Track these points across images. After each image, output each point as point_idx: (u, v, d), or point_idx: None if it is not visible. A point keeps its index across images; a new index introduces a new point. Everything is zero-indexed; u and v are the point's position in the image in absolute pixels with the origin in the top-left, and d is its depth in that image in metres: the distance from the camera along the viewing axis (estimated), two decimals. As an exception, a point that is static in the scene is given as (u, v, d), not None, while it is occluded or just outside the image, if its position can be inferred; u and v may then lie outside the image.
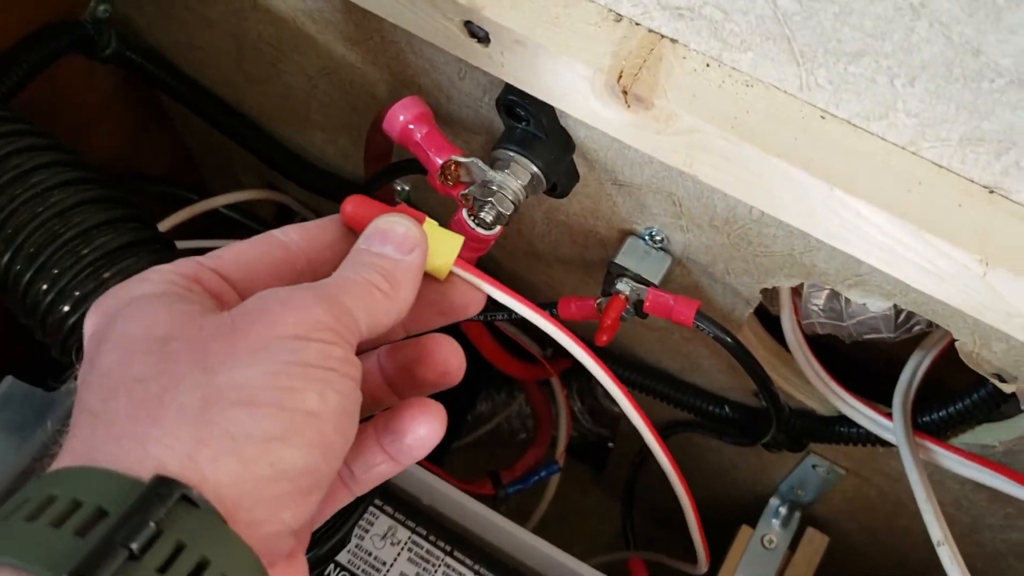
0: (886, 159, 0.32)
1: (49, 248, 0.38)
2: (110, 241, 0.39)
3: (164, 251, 0.41)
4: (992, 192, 0.31)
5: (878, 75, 0.30)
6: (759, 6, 0.30)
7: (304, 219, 0.68)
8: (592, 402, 0.79)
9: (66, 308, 0.39)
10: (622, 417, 0.74)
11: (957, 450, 0.45)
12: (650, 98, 0.32)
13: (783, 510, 0.63)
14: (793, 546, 0.63)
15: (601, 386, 0.76)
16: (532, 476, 0.64)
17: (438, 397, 0.73)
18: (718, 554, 0.64)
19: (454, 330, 0.55)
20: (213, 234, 0.63)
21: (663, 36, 0.34)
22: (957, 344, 0.39)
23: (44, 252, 0.39)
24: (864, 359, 0.53)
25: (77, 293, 0.39)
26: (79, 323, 0.39)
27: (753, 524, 0.64)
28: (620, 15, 0.34)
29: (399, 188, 0.56)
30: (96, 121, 0.60)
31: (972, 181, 0.31)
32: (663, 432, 0.65)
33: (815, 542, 0.62)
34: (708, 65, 0.33)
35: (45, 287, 0.39)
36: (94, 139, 0.60)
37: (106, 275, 0.39)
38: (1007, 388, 0.39)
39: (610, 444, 0.81)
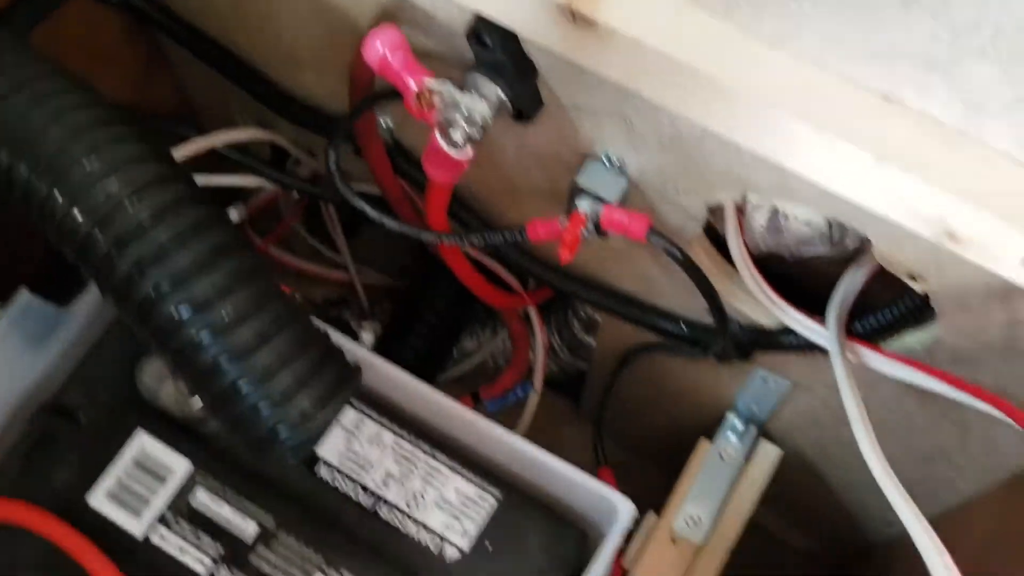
0: (799, 72, 0.37)
1: (61, 157, 0.43)
2: (120, 154, 0.43)
3: (170, 166, 0.45)
4: (888, 100, 0.36)
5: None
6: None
7: (297, 160, 0.73)
8: (570, 336, 0.84)
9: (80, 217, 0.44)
10: (595, 347, 0.79)
11: (883, 351, 0.50)
12: (593, 16, 0.37)
13: (740, 425, 0.69)
14: (749, 460, 0.68)
15: (579, 319, 0.81)
16: (510, 394, 0.69)
17: (419, 334, 0.77)
18: (679, 467, 0.70)
19: (433, 258, 0.60)
20: (212, 170, 0.67)
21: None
22: (874, 248, 0.44)
23: (57, 161, 0.43)
24: (810, 282, 0.58)
25: (89, 200, 0.43)
26: (92, 234, 0.43)
27: (712, 439, 0.69)
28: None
29: (383, 124, 0.60)
30: (102, 64, 0.64)
31: (871, 90, 0.36)
32: (633, 355, 0.71)
33: (768, 455, 0.68)
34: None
35: (59, 194, 0.43)
36: (99, 81, 0.64)
37: (113, 188, 0.43)
38: (918, 287, 0.44)
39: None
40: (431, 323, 0.84)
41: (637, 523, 0.70)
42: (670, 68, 0.38)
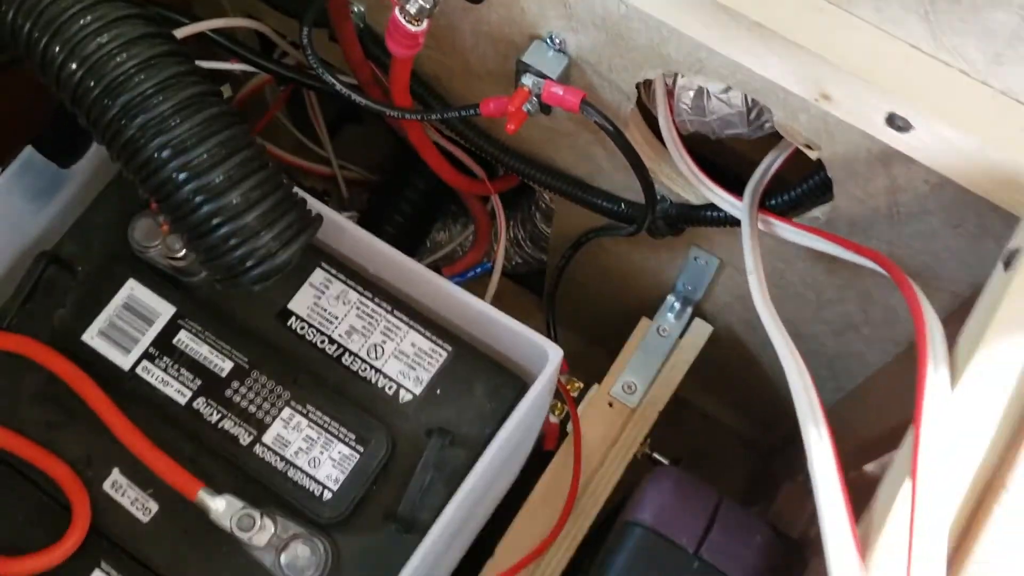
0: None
1: (62, 16, 0.48)
2: (112, 13, 0.49)
3: (159, 30, 0.51)
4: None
5: None
6: None
7: (283, 52, 0.78)
8: (532, 228, 0.90)
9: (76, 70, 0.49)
10: (551, 235, 0.85)
11: (790, 221, 0.56)
12: None
13: (677, 305, 0.75)
14: (683, 336, 0.75)
15: (540, 211, 0.87)
16: (470, 271, 0.76)
17: (393, 223, 0.81)
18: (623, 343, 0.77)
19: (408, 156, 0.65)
20: (202, 57, 0.73)
21: None
22: (775, 119, 0.50)
23: (57, 20, 0.48)
24: (735, 170, 0.64)
25: (87, 56, 0.49)
26: (100, 97, 0.49)
27: (652, 316, 0.76)
28: None
29: (354, 9, 0.66)
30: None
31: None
32: (584, 240, 0.77)
33: (701, 330, 0.74)
34: None
35: (59, 50, 0.49)
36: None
37: (104, 40, 0.49)
38: (813, 155, 0.50)
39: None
40: (404, 213, 0.91)
41: (582, 393, 0.77)
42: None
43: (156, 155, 0.48)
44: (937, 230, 0.49)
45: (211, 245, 0.50)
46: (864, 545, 0.35)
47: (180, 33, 0.69)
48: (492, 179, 0.80)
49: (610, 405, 0.73)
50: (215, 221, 0.49)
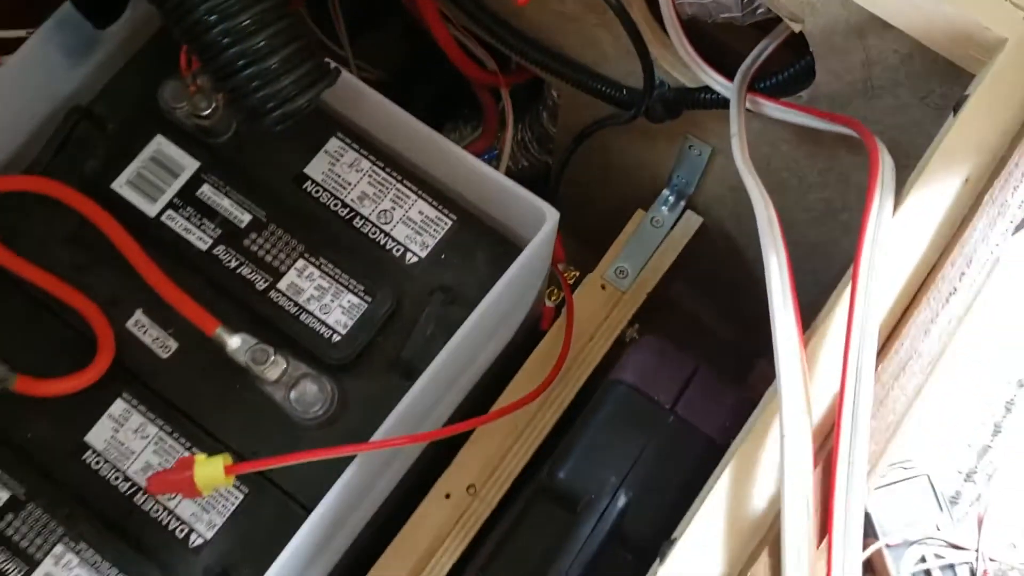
0: None
1: None
2: None
3: None
4: None
5: None
6: None
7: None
8: (539, 130, 0.94)
9: None
10: (556, 132, 0.89)
11: (774, 99, 0.60)
12: None
13: (671, 198, 0.80)
14: (675, 226, 0.79)
15: (547, 110, 0.91)
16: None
17: (407, 105, 0.85)
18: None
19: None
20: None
21: None
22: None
23: None
24: (731, 58, 0.68)
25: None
26: None
27: (647, 209, 0.80)
28: None
29: None
30: None
31: None
32: (587, 133, 0.81)
33: (690, 221, 0.79)
34: None
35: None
36: None
37: None
38: (796, 27, 0.54)
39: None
40: (417, 112, 0.94)
41: (578, 281, 0.81)
42: None
43: (202, 17, 0.52)
44: (906, 103, 0.53)
45: (236, 85, 0.54)
46: (807, 345, 0.40)
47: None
48: (504, 72, 0.84)
49: (602, 288, 0.77)
50: (240, 63, 0.54)
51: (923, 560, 0.85)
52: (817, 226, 0.71)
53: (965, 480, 1.03)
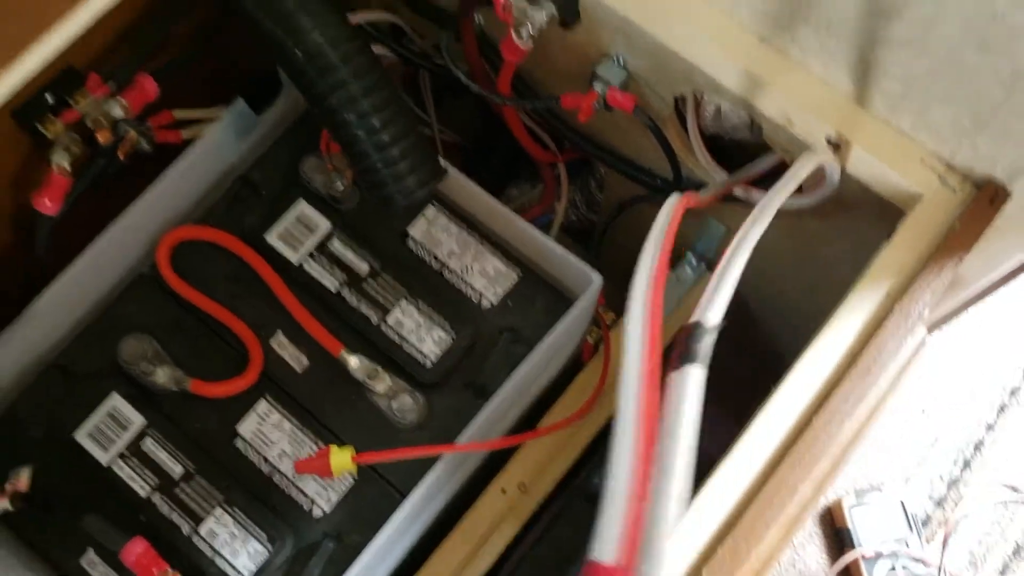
0: (720, 22, 0.66)
1: (292, 16, 0.73)
2: (323, 17, 0.73)
3: (349, 27, 0.74)
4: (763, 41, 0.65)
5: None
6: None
7: (411, 39, 1.02)
8: (587, 194, 1.14)
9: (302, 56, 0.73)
10: (602, 200, 1.09)
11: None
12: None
13: (694, 260, 0.99)
14: (696, 284, 0.99)
15: (595, 180, 1.11)
16: (537, 220, 1.00)
17: (480, 179, 1.05)
18: (649, 286, 1.00)
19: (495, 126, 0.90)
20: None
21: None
22: (764, 133, 0.73)
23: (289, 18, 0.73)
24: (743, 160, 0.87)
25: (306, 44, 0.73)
26: (315, 78, 0.73)
27: (673, 268, 0.99)
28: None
29: (477, 21, 0.89)
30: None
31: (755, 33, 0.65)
32: (627, 205, 1.00)
33: (706, 282, 0.98)
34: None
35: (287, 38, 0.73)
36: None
37: (319, 38, 0.73)
38: (787, 158, 0.73)
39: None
40: (488, 172, 1.15)
41: (614, 322, 1.01)
42: (647, 8, 0.67)
43: (346, 117, 0.72)
44: (867, 216, 0.71)
45: (374, 183, 0.75)
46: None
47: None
48: (561, 151, 1.04)
49: (634, 331, 0.96)
50: (379, 165, 0.74)
51: (893, 570, 1.06)
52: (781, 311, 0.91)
53: (936, 506, 1.24)
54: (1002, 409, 1.20)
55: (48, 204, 0.79)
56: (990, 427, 1.24)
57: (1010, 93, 0.52)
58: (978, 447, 1.24)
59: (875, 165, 0.64)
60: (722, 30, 0.66)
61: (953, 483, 1.25)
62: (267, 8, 0.73)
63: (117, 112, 0.78)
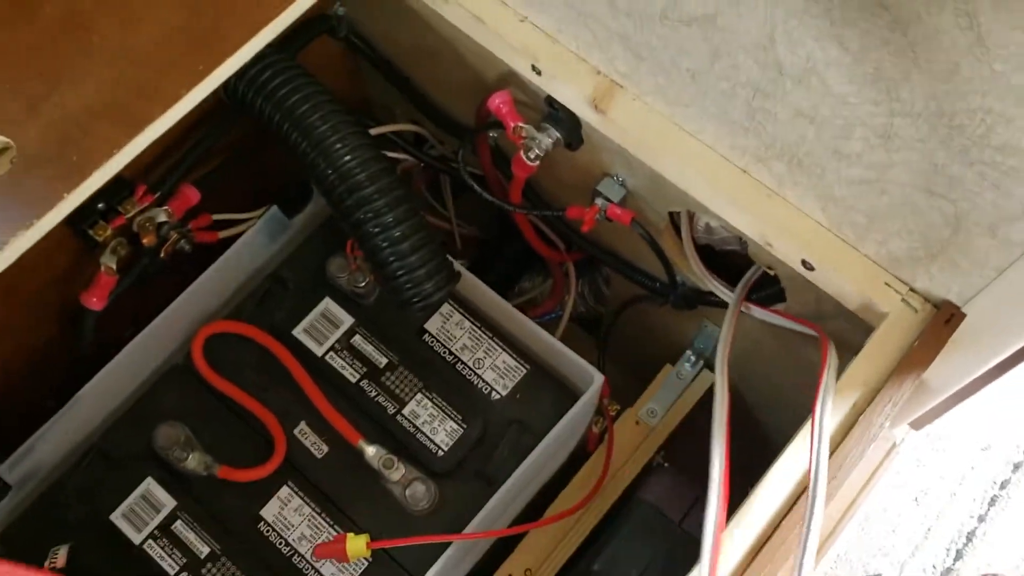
0: (706, 152, 0.73)
1: (320, 135, 0.81)
2: (351, 138, 0.81)
3: (373, 146, 0.82)
4: (745, 172, 0.72)
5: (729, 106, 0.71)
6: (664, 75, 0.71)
7: (432, 145, 1.10)
8: (595, 288, 1.20)
9: (331, 175, 0.81)
10: (609, 295, 1.15)
11: (762, 306, 0.86)
12: (605, 110, 0.74)
13: (692, 357, 1.05)
14: (694, 380, 1.04)
15: (601, 277, 1.17)
16: (547, 315, 1.07)
17: (495, 271, 1.11)
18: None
19: (509, 223, 0.97)
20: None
21: (614, 82, 0.75)
22: (749, 250, 0.80)
23: (319, 138, 0.81)
24: (737, 265, 0.93)
25: (335, 163, 0.81)
26: (343, 193, 0.81)
27: (674, 364, 1.05)
28: (599, 69, 0.75)
29: (492, 136, 0.97)
30: (326, 73, 1.01)
31: (734, 164, 0.72)
32: (630, 302, 1.07)
33: (705, 379, 1.04)
34: (634, 99, 0.74)
35: (320, 159, 0.81)
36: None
37: (347, 158, 0.81)
38: (771, 272, 0.80)
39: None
40: (502, 265, 1.22)
41: (619, 413, 1.06)
42: (643, 141, 0.74)
43: (371, 229, 0.80)
44: (843, 325, 0.78)
45: (395, 287, 0.82)
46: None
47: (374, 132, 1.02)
48: (568, 251, 1.11)
49: (636, 423, 1.02)
50: (399, 273, 0.81)
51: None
52: (771, 392, 0.96)
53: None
54: (992, 501, 1.24)
55: (95, 301, 0.86)
56: (981, 518, 1.28)
57: (955, 232, 0.59)
58: (970, 537, 1.28)
59: (845, 285, 0.70)
60: (708, 161, 0.73)
61: (947, 572, 1.29)
62: (302, 131, 0.81)
63: (161, 218, 0.86)
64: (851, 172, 0.63)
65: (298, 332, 0.94)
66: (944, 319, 0.65)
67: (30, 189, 0.66)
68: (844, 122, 0.60)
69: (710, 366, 1.06)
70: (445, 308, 0.95)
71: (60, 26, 0.71)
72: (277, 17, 0.74)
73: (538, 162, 0.83)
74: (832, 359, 0.70)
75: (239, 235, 0.94)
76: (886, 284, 0.69)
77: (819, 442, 0.63)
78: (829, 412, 0.64)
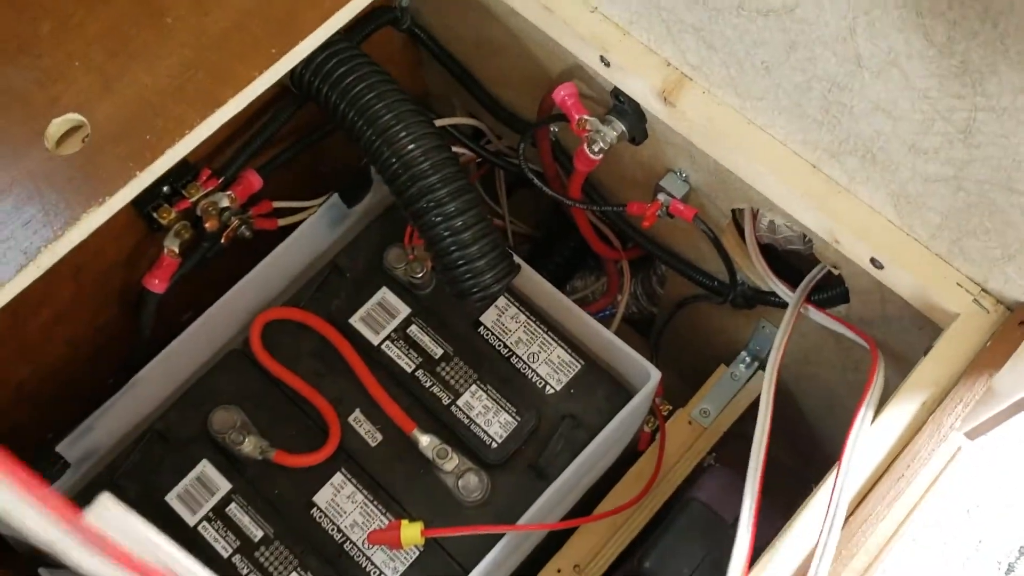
0: (775, 145, 0.72)
1: (384, 124, 0.81)
2: (414, 125, 0.81)
3: (438, 134, 0.82)
4: (815, 168, 0.71)
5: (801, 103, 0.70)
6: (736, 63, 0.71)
7: (488, 139, 1.10)
8: (648, 287, 1.20)
9: (396, 164, 0.82)
10: (663, 295, 1.15)
11: (821, 309, 0.85)
12: (674, 101, 0.73)
13: (747, 358, 1.04)
14: (748, 381, 1.03)
15: (656, 276, 1.16)
16: (600, 313, 1.06)
17: (547, 269, 1.13)
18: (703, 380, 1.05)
19: (562, 219, 0.97)
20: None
21: (684, 74, 0.74)
22: (814, 248, 0.79)
23: (386, 132, 0.81)
24: (799, 265, 0.93)
25: (399, 150, 0.81)
26: (406, 182, 0.81)
27: (728, 364, 1.04)
28: (669, 62, 0.75)
29: (552, 130, 0.97)
30: (389, 63, 1.02)
31: (808, 162, 0.71)
32: (685, 302, 1.06)
33: (760, 380, 1.02)
34: (704, 92, 0.74)
35: (383, 146, 0.82)
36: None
37: (411, 146, 0.81)
38: (835, 271, 0.79)
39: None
40: (556, 262, 1.22)
41: (670, 413, 1.06)
42: (711, 134, 0.74)
43: (433, 218, 0.80)
44: (907, 327, 0.76)
45: (454, 277, 0.82)
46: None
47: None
48: (624, 248, 1.10)
49: (689, 423, 1.01)
50: (460, 262, 0.81)
51: None
52: (828, 397, 0.95)
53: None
54: (1049, 516, 1.21)
55: (157, 283, 0.87)
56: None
57: (1036, 230, 0.58)
58: (1022, 551, 1.26)
59: (915, 285, 0.69)
60: (777, 156, 0.72)
61: (1001, 587, 1.26)
62: (366, 119, 0.82)
63: (224, 203, 0.87)
64: (927, 168, 0.62)
65: (355, 320, 0.94)
66: (1018, 321, 0.64)
67: (102, 166, 0.67)
68: (923, 116, 0.59)
69: (763, 364, 1.04)
70: (501, 301, 0.95)
71: (135, 6, 0.73)
72: (348, 3, 0.75)
73: (601, 156, 0.83)
74: (879, 379, 0.69)
75: (299, 222, 0.94)
76: (957, 284, 0.68)
77: (840, 492, 0.62)
78: (861, 450, 0.63)
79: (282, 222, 0.95)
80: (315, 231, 0.95)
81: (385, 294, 0.95)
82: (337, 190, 0.95)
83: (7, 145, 0.67)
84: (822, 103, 0.65)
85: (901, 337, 0.78)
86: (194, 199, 0.85)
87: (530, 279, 0.94)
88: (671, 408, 1.05)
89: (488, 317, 0.95)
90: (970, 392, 0.63)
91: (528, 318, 0.95)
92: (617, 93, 0.80)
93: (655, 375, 0.87)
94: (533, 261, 1.26)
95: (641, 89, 0.76)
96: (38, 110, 0.68)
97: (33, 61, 0.69)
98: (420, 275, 0.93)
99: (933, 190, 0.64)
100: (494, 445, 0.89)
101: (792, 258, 0.91)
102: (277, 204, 0.95)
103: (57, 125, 0.68)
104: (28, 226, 0.65)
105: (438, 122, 1.02)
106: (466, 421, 0.90)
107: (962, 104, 0.56)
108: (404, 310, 0.94)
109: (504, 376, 0.92)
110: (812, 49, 0.62)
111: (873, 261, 0.71)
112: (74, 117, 0.69)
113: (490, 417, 0.90)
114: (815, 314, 0.85)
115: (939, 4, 0.51)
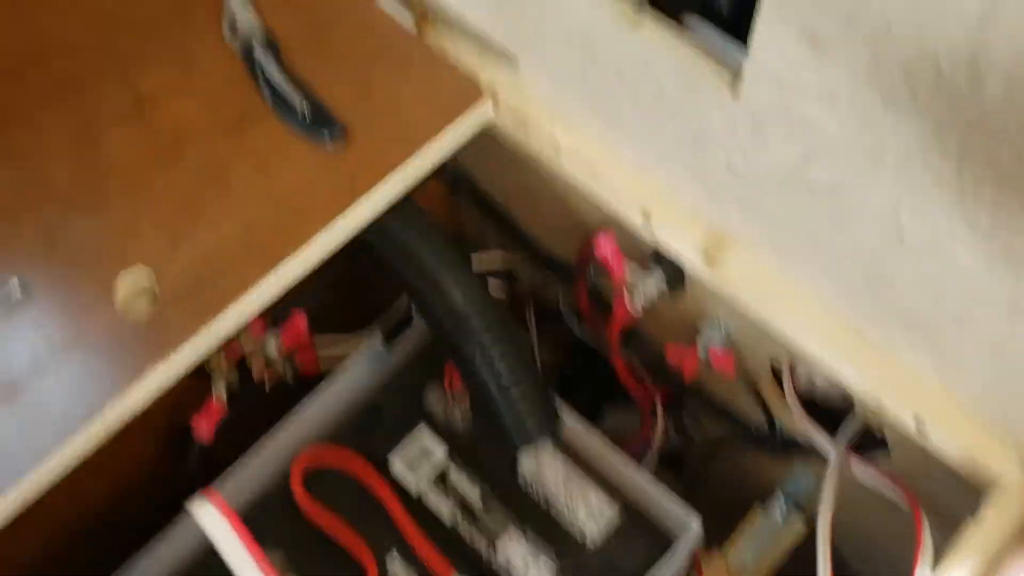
0: (813, 309, 0.74)
1: (434, 276, 0.83)
2: (462, 279, 0.83)
3: (482, 284, 0.85)
4: (858, 333, 0.73)
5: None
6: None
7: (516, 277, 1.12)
8: (679, 425, 1.20)
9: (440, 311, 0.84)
10: (699, 439, 1.15)
11: (861, 458, 0.85)
12: (717, 261, 0.75)
13: (784, 502, 1.03)
14: (785, 525, 1.03)
15: (688, 413, 1.17)
16: (632, 450, 1.07)
17: (577, 389, 1.13)
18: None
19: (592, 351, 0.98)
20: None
21: (727, 235, 0.77)
22: (855, 405, 0.80)
23: (432, 278, 0.83)
24: (835, 412, 0.93)
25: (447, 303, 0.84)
26: (443, 319, 0.83)
27: (764, 507, 1.04)
28: (711, 224, 0.78)
29: (590, 272, 1.00)
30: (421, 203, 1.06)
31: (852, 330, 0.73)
32: (725, 445, 1.06)
33: (797, 523, 1.02)
34: (746, 252, 0.76)
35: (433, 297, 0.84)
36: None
37: (459, 300, 0.83)
38: (879, 435, 0.80)
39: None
40: (586, 394, 1.23)
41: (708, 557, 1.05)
42: (753, 294, 0.76)
43: (476, 365, 0.82)
44: (951, 485, 0.77)
45: (501, 423, 0.83)
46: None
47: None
48: (657, 387, 1.12)
49: (727, 571, 1.01)
50: (501, 408, 0.83)
51: None
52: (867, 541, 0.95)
53: None
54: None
55: (204, 430, 0.89)
56: None
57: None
58: None
59: (958, 448, 0.70)
60: (820, 318, 0.74)
61: None
62: (411, 265, 0.84)
63: (272, 350, 0.89)
64: (971, 339, 0.64)
65: (394, 460, 0.95)
66: (1066, 489, 0.64)
67: (169, 322, 0.69)
68: (966, 293, 0.61)
69: (803, 510, 1.04)
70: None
71: (202, 167, 0.76)
72: (402, 169, 0.78)
73: (641, 309, 0.85)
74: (927, 539, 0.70)
75: (338, 356, 0.96)
76: (1002, 447, 0.69)
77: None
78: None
79: (323, 365, 0.97)
80: (356, 376, 0.97)
81: (424, 434, 0.96)
82: (376, 319, 0.97)
83: (77, 299, 0.70)
84: (864, 273, 0.68)
85: (944, 493, 0.79)
86: (245, 347, 0.87)
87: (571, 423, 0.95)
88: (705, 549, 1.04)
89: (526, 460, 0.96)
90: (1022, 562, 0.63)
91: (566, 461, 0.96)
92: (657, 252, 0.82)
93: (696, 525, 0.88)
94: (561, 393, 1.28)
95: (683, 247, 0.79)
96: (107, 265, 0.71)
97: (103, 216, 0.73)
98: (458, 414, 0.95)
99: (977, 359, 0.65)
100: (533, 595, 0.89)
101: (832, 406, 0.92)
102: (321, 352, 0.97)
103: (125, 280, 0.71)
104: (94, 379, 0.67)
105: (486, 263, 1.05)
106: (503, 570, 0.90)
107: (1005, 284, 0.58)
108: (441, 451, 0.95)
109: (542, 520, 0.93)
110: (856, 224, 0.65)
111: (916, 422, 0.72)
112: (142, 272, 0.71)
113: (529, 563, 0.90)
114: (855, 467, 0.85)
115: (983, 191, 0.54)
